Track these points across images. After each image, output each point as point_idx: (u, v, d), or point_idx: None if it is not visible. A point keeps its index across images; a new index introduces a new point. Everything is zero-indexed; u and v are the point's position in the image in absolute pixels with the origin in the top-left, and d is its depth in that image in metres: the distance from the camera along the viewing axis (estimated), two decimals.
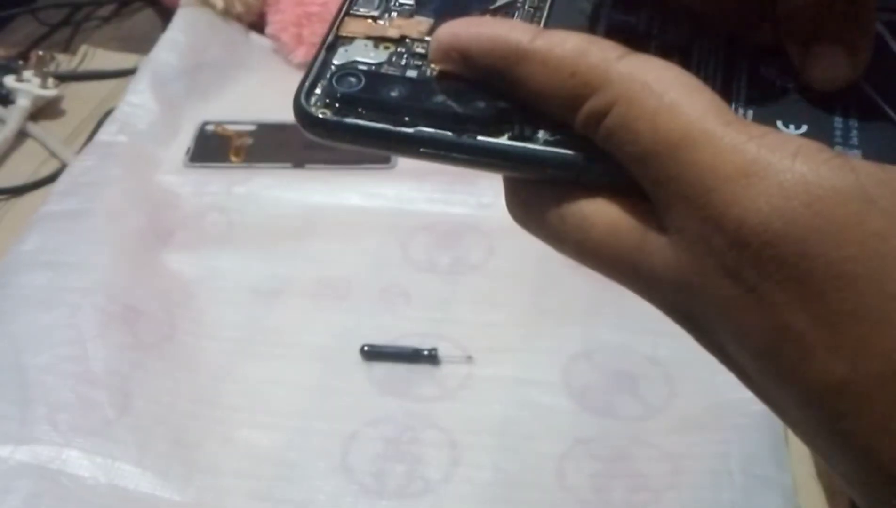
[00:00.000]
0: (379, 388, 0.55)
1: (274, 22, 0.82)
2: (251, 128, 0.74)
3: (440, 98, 0.24)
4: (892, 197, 0.19)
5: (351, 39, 0.25)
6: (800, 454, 0.50)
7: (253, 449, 0.52)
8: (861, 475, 0.20)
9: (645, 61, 0.22)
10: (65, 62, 0.84)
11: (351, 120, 0.24)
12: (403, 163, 0.71)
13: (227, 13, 0.83)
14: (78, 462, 0.49)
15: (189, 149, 0.72)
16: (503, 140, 0.23)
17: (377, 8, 0.26)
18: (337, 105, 0.24)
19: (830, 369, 0.19)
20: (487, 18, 0.25)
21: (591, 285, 0.60)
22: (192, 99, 0.76)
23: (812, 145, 0.20)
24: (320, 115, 0.24)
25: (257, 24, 0.85)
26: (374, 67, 0.25)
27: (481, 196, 0.66)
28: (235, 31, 0.84)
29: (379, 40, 0.25)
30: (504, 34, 0.23)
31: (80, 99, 0.80)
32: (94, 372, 0.53)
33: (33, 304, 0.57)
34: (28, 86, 0.77)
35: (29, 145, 0.75)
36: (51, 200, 0.65)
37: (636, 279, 0.23)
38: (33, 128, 0.76)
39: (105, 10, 0.91)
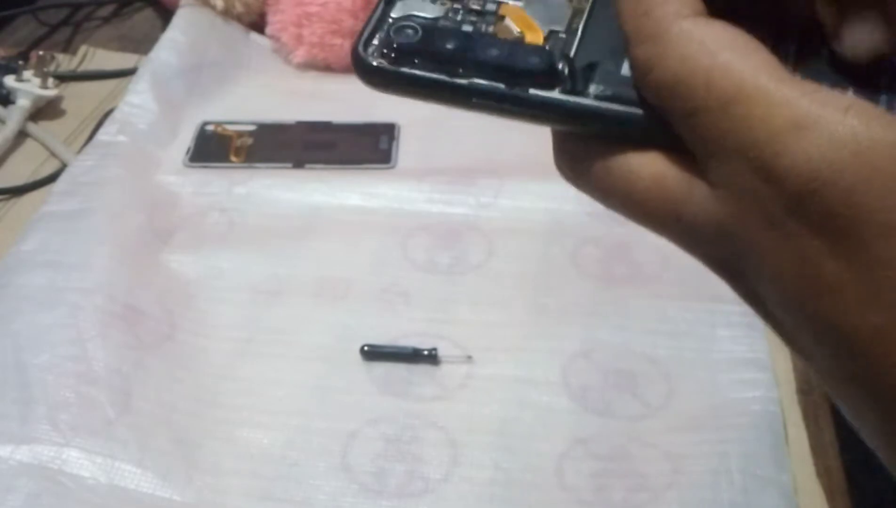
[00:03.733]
0: (379, 388, 0.55)
1: (274, 22, 0.82)
2: (251, 128, 0.74)
3: (494, 52, 0.24)
4: None
5: None
6: (800, 454, 0.50)
7: (253, 449, 0.52)
8: (891, 424, 0.21)
9: (707, 22, 0.22)
10: (65, 62, 0.84)
11: (406, 69, 0.24)
12: (403, 162, 0.71)
13: (227, 13, 0.83)
14: (78, 461, 0.49)
15: (189, 149, 0.72)
16: (554, 94, 0.24)
17: None
18: (394, 55, 0.25)
19: (867, 316, 0.20)
20: None
21: (591, 285, 0.60)
22: (192, 99, 0.77)
23: (863, 103, 0.20)
24: (377, 64, 0.25)
25: (257, 24, 0.85)
26: (430, 21, 0.25)
27: (481, 196, 0.66)
28: (235, 31, 0.84)
29: None
30: None
31: (80, 99, 0.80)
32: (95, 371, 0.53)
33: (33, 304, 0.57)
34: (28, 86, 0.77)
35: (29, 145, 0.75)
36: (51, 200, 0.65)
37: (679, 230, 0.23)
38: (33, 128, 0.76)
39: (105, 10, 0.91)
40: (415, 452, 0.51)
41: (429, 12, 0.26)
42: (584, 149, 0.25)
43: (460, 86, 0.24)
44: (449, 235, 0.64)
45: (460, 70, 0.24)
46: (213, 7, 0.83)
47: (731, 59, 0.21)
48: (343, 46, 0.80)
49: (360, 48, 0.25)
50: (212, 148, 0.73)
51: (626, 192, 0.24)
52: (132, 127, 0.72)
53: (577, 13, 0.26)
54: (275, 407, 0.54)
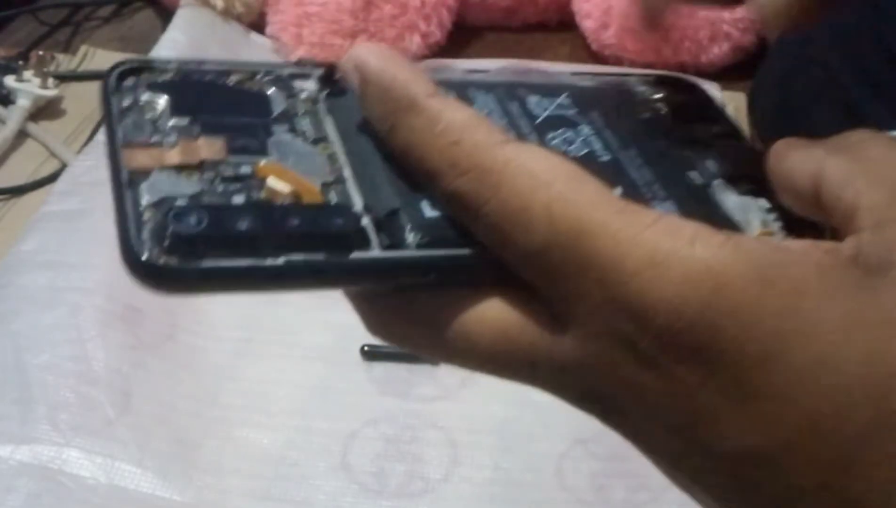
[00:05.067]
0: (379, 388, 0.55)
1: (274, 22, 0.82)
2: None
3: (295, 221, 0.21)
4: (785, 277, 0.20)
5: (146, 173, 0.22)
6: None
7: (253, 449, 0.52)
8: None
9: (529, 150, 0.22)
10: (65, 62, 0.84)
11: (211, 264, 0.20)
12: None
13: (227, 13, 0.83)
14: (78, 461, 0.49)
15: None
16: (375, 253, 0.22)
17: (152, 133, 0.23)
18: (180, 250, 0.20)
19: (743, 441, 0.20)
20: (402, 60, 0.23)
21: None
22: None
23: (704, 230, 0.20)
24: (173, 265, 0.20)
25: (257, 24, 0.85)
26: (196, 198, 0.21)
27: None
28: (235, 31, 0.84)
29: (179, 169, 0.22)
30: (406, 80, 0.23)
31: (80, 99, 0.80)
32: (95, 371, 0.53)
33: (34, 304, 0.57)
34: (28, 86, 0.76)
35: (29, 145, 0.75)
36: (51, 200, 0.65)
37: (538, 377, 0.23)
38: (33, 128, 0.76)
39: (105, 10, 0.91)
40: (415, 452, 0.51)
41: (183, 189, 0.21)
42: (406, 309, 0.23)
43: (278, 270, 0.21)
44: None
45: (264, 251, 0.21)
46: (213, 7, 0.83)
47: (566, 190, 0.21)
48: (343, 46, 0.79)
49: (135, 251, 0.20)
50: None
51: (468, 349, 0.22)
52: None
53: (332, 159, 0.23)
54: (275, 407, 0.54)
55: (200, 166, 0.22)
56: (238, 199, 0.22)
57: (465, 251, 0.22)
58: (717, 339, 0.20)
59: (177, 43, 0.79)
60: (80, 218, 0.63)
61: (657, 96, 0.29)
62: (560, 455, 0.51)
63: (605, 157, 0.26)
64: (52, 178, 0.70)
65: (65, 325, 0.55)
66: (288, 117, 0.24)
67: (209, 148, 0.23)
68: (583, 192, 0.21)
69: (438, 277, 0.22)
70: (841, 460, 0.20)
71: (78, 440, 0.50)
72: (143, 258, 0.20)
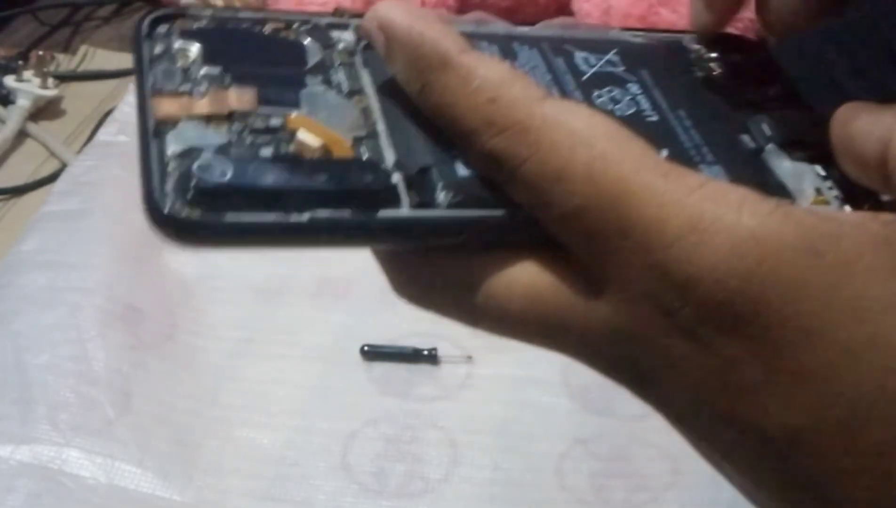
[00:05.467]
0: (379, 388, 0.55)
1: None
2: None
3: (322, 177, 0.21)
4: (836, 249, 0.19)
5: (174, 122, 0.21)
6: None
7: (253, 449, 0.52)
8: None
9: (569, 106, 0.21)
10: (65, 62, 0.84)
11: (233, 217, 0.20)
12: None
13: None
14: (78, 461, 0.49)
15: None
16: (404, 212, 0.21)
17: (182, 83, 0.22)
18: (205, 202, 0.20)
19: (786, 420, 0.19)
20: (430, 15, 0.22)
21: None
22: None
23: (752, 196, 0.20)
24: (195, 218, 0.20)
25: None
26: (223, 150, 0.21)
27: None
28: None
29: (207, 119, 0.21)
30: (436, 37, 0.21)
31: (80, 99, 0.80)
32: (95, 371, 0.53)
33: (34, 304, 0.57)
34: (28, 86, 0.76)
35: (29, 145, 0.75)
36: (51, 200, 0.65)
37: (567, 344, 0.22)
38: (33, 128, 0.76)
39: (105, 10, 0.91)
40: (415, 452, 0.51)
41: (211, 140, 0.21)
42: (435, 270, 0.22)
43: (303, 227, 0.20)
44: None
45: (292, 205, 0.20)
46: (213, 7, 0.82)
47: (608, 150, 0.20)
48: None
49: (157, 202, 0.20)
50: None
51: (498, 314, 0.22)
52: (132, 127, 0.70)
53: (366, 112, 0.23)
54: (275, 407, 0.54)
55: (230, 117, 0.21)
56: (266, 152, 0.21)
57: (498, 212, 0.21)
58: (762, 312, 0.19)
59: None
60: (80, 218, 0.63)
61: (712, 55, 0.28)
62: (560, 455, 0.51)
63: (653, 117, 0.25)
64: (52, 178, 0.70)
65: (65, 325, 0.55)
66: (323, 69, 0.24)
67: (240, 98, 0.22)
68: (626, 153, 0.20)
69: (469, 239, 0.21)
70: (886, 444, 0.19)
71: (78, 440, 0.50)
72: (166, 210, 0.20)
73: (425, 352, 0.56)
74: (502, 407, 0.54)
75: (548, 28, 0.27)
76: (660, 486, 0.49)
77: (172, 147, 0.20)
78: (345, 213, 0.20)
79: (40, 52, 0.80)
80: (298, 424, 0.53)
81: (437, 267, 0.22)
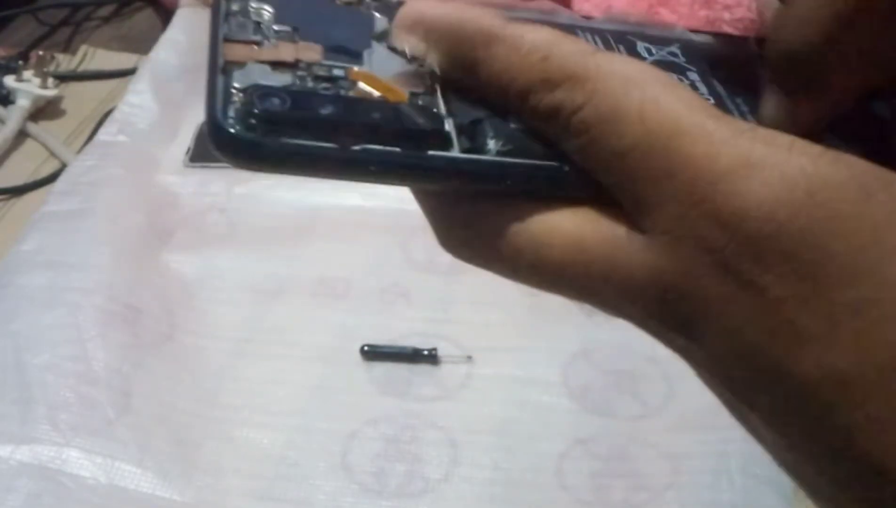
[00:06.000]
0: (379, 388, 0.55)
1: None
2: None
3: (377, 115, 0.22)
4: (888, 191, 0.19)
5: (242, 64, 0.22)
6: None
7: (253, 449, 0.52)
8: (849, 472, 0.20)
9: (619, 57, 0.22)
10: (65, 62, 0.84)
11: (291, 140, 0.21)
12: None
13: None
14: (78, 461, 0.49)
15: (189, 149, 0.72)
16: (454, 153, 0.22)
17: (255, 34, 0.24)
18: (263, 126, 0.21)
19: (828, 361, 0.19)
20: (458, 2, 0.23)
21: None
22: (192, 99, 0.76)
23: (802, 140, 0.20)
24: (253, 137, 0.21)
25: None
26: (286, 88, 0.22)
27: None
28: None
29: (273, 64, 0.23)
30: (474, 17, 0.22)
31: (80, 99, 0.80)
32: (95, 371, 0.53)
33: (33, 304, 0.57)
34: (28, 86, 0.77)
35: (29, 145, 0.75)
36: (51, 200, 0.65)
37: (610, 292, 0.21)
38: (33, 128, 0.76)
39: (105, 10, 0.91)
40: (415, 452, 0.51)
41: (275, 81, 0.22)
42: (479, 217, 0.22)
43: (354, 156, 0.21)
44: None
45: (345, 137, 0.21)
46: None
47: (660, 94, 0.20)
48: None
49: (221, 121, 0.21)
50: None
51: (537, 260, 0.22)
52: (132, 127, 0.72)
53: (426, 77, 0.24)
54: (275, 407, 0.54)
55: (295, 64, 0.23)
56: (327, 92, 0.22)
57: (546, 162, 0.22)
58: (810, 247, 0.19)
59: (177, 43, 0.79)
60: (80, 218, 0.63)
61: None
62: (560, 455, 0.51)
63: (710, 101, 0.25)
64: (52, 178, 0.70)
65: (65, 325, 0.55)
66: (389, 37, 0.24)
67: (306, 50, 0.23)
68: (677, 96, 0.20)
69: (515, 185, 0.22)
70: None
71: (78, 440, 0.50)
72: (229, 130, 0.21)
73: (425, 352, 0.56)
74: (502, 407, 0.54)
75: (613, 22, 0.28)
76: (660, 486, 0.49)
77: (238, 82, 0.22)
78: (395, 150, 0.21)
79: (40, 52, 0.80)
80: (298, 424, 0.53)
81: (481, 214, 0.22)
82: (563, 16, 0.27)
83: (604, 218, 0.21)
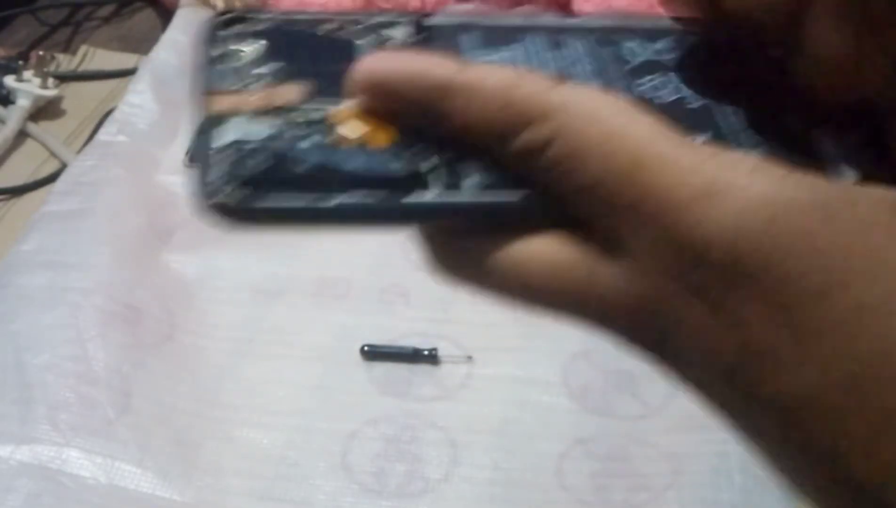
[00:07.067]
0: (379, 388, 0.55)
1: None
2: None
3: (350, 164, 0.22)
4: (851, 210, 0.19)
5: (223, 118, 0.23)
6: None
7: (253, 449, 0.52)
8: (832, 488, 0.20)
9: (579, 90, 0.22)
10: (65, 62, 0.84)
11: (274, 204, 0.22)
12: None
13: None
14: (78, 461, 0.49)
15: (189, 149, 0.72)
16: (430, 197, 0.22)
17: (237, 82, 0.24)
18: (248, 189, 0.22)
19: (799, 381, 0.19)
20: (407, 54, 0.23)
21: None
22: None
23: (765, 163, 0.20)
24: (241, 205, 0.22)
25: None
26: (265, 142, 0.22)
27: None
28: None
29: (253, 114, 0.23)
30: (426, 69, 0.22)
31: (80, 99, 0.80)
32: (95, 371, 0.53)
33: (33, 304, 0.57)
34: (28, 86, 0.77)
35: (29, 145, 0.75)
36: (51, 200, 0.65)
37: (586, 314, 0.22)
38: (33, 128, 0.76)
39: (105, 10, 0.91)
40: (415, 452, 0.51)
41: (256, 134, 0.22)
42: (464, 245, 0.23)
43: (328, 210, 0.22)
44: None
45: (327, 191, 0.22)
46: (212, 7, 0.83)
47: (623, 125, 0.21)
48: None
49: (206, 190, 0.22)
50: None
51: (519, 283, 0.23)
52: (132, 127, 0.72)
53: None
54: (275, 407, 0.54)
55: (276, 112, 0.23)
56: (304, 143, 0.22)
57: (521, 194, 0.22)
58: (773, 269, 0.19)
59: (177, 43, 0.79)
60: (80, 218, 0.63)
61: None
62: (560, 455, 0.51)
63: (696, 104, 0.25)
64: (52, 178, 0.70)
65: (65, 325, 0.55)
66: None
67: (286, 95, 0.23)
68: (637, 127, 0.21)
69: (493, 219, 0.23)
70: None
71: (78, 440, 0.50)
72: (210, 199, 0.22)
73: (425, 352, 0.56)
74: (502, 407, 0.54)
75: (598, 19, 0.28)
76: (660, 486, 0.49)
77: (218, 141, 0.22)
78: (371, 198, 0.22)
79: (40, 52, 0.80)
80: (298, 424, 0.53)
81: (467, 243, 0.23)
82: (547, 19, 0.27)
83: (578, 243, 0.22)
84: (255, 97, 0.23)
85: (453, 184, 0.22)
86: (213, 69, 0.24)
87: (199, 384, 0.55)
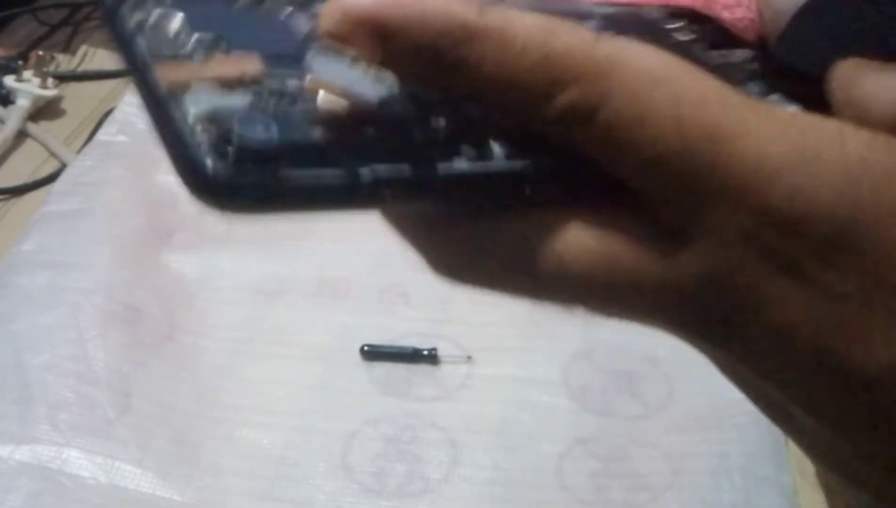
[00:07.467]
0: (379, 388, 0.55)
1: None
2: None
3: (370, 130, 0.19)
4: None
5: (185, 86, 0.18)
6: (800, 454, 0.50)
7: (253, 449, 0.52)
8: None
9: (629, 45, 0.19)
10: (65, 62, 0.84)
11: (296, 173, 0.18)
12: None
13: None
14: (78, 461, 0.49)
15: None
16: (463, 164, 0.19)
17: (178, 49, 0.20)
18: (250, 164, 0.17)
19: (887, 355, 0.18)
20: None
21: None
22: None
23: (847, 125, 0.19)
24: (244, 180, 0.17)
25: None
26: (253, 110, 0.18)
27: None
28: None
29: (219, 82, 0.19)
30: (443, 6, 0.18)
31: (80, 99, 0.80)
32: (95, 371, 0.53)
33: (33, 304, 0.57)
34: (28, 86, 0.77)
35: (29, 145, 0.75)
36: (51, 200, 0.65)
37: (639, 304, 0.20)
38: (33, 128, 0.76)
39: None
40: (415, 452, 0.51)
41: (231, 103, 0.18)
42: (485, 236, 0.20)
43: (367, 182, 0.18)
44: None
45: (346, 161, 0.18)
46: None
47: (691, 90, 0.18)
48: None
49: (197, 166, 0.17)
50: None
51: (562, 275, 0.20)
52: (132, 127, 0.72)
53: (382, 79, 0.20)
54: (275, 407, 0.54)
55: (241, 81, 0.19)
56: (300, 110, 0.19)
57: (558, 163, 0.19)
58: (876, 243, 0.18)
59: None
60: (80, 218, 0.63)
61: (678, 25, 0.27)
62: (560, 455, 0.51)
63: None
64: (51, 178, 0.70)
65: (65, 325, 0.55)
66: (315, 38, 0.21)
67: (244, 64, 0.20)
68: (708, 91, 0.18)
69: (528, 193, 0.19)
70: None
71: (78, 440, 0.50)
72: (209, 173, 0.17)
73: (425, 352, 0.56)
74: (502, 407, 0.54)
75: (604, 6, 0.26)
76: (660, 486, 0.49)
77: (193, 109, 0.18)
78: (404, 168, 0.18)
79: (40, 52, 0.80)
80: (298, 424, 0.53)
81: (487, 231, 0.20)
82: (555, 3, 0.26)
83: (629, 226, 0.19)
84: (211, 64, 0.19)
85: (482, 154, 0.19)
86: (145, 38, 0.20)
87: (199, 384, 0.55)
